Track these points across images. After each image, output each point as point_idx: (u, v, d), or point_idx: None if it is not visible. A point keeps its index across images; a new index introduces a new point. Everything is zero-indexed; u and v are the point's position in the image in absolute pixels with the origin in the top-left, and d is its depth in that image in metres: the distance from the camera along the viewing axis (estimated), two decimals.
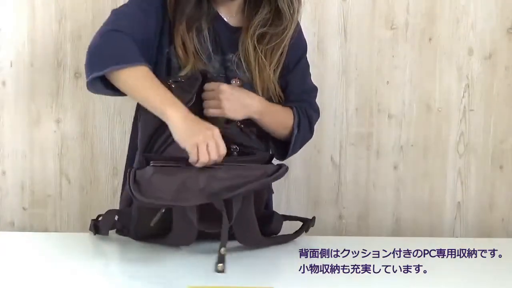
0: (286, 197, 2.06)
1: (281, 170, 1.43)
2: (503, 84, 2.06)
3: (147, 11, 1.54)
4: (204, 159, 1.37)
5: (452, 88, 2.06)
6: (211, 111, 1.50)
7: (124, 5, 1.59)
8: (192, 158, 1.38)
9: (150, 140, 1.49)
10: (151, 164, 1.42)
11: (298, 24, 1.68)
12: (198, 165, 1.38)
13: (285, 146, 1.66)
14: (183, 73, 1.55)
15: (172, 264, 1.41)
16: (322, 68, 2.03)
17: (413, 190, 2.10)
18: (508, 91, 2.06)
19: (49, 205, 2.08)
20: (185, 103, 1.46)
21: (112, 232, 1.56)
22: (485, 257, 1.53)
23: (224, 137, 1.44)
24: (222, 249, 1.35)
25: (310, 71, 1.75)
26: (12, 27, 2.01)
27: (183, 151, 1.41)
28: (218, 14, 1.62)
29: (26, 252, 1.51)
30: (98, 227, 1.55)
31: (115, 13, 1.56)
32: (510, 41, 2.04)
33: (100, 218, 1.58)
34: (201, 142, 1.37)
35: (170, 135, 1.43)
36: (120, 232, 1.55)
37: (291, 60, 1.67)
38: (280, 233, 1.59)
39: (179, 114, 1.40)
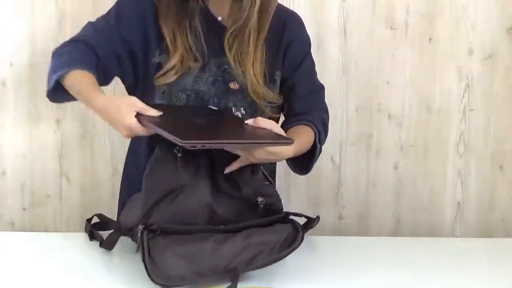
0: (286, 197, 2.06)
1: (296, 243, 1.40)
2: (503, 84, 2.06)
3: (121, 22, 1.56)
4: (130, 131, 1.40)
5: (452, 88, 2.06)
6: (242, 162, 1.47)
7: (101, 16, 1.60)
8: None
9: (154, 204, 1.43)
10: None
11: (299, 20, 1.65)
12: None
13: (304, 161, 1.61)
14: (168, 65, 1.54)
15: None
16: (322, 68, 2.02)
17: (413, 190, 2.10)
18: (508, 91, 2.06)
19: (49, 205, 2.08)
20: (194, 169, 1.44)
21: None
22: (485, 257, 1.53)
23: (243, 199, 1.45)
24: None
25: None
26: (12, 27, 2.01)
27: (190, 215, 1.41)
28: (211, 14, 1.59)
29: (26, 252, 1.51)
30: (93, 233, 1.55)
31: (88, 24, 1.59)
32: (510, 41, 2.04)
33: (94, 220, 1.58)
34: (122, 122, 1.39)
35: (175, 200, 1.41)
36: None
37: (294, 59, 1.63)
38: None
39: (100, 107, 1.44)
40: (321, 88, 1.72)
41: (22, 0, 1.99)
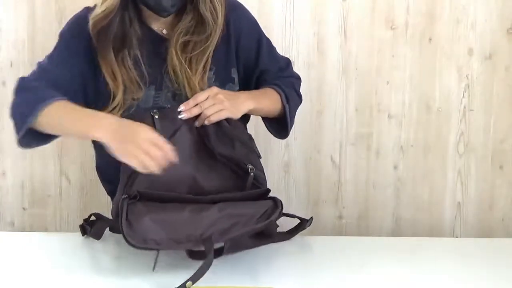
0: (286, 197, 2.06)
1: (274, 216, 1.40)
2: (503, 84, 2.06)
3: (70, 60, 1.53)
4: (147, 169, 1.34)
5: (452, 88, 2.06)
6: (217, 116, 1.47)
7: (48, 55, 1.56)
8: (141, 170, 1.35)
9: (129, 179, 1.44)
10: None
11: (239, 7, 1.63)
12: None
13: (280, 123, 1.64)
14: (113, 104, 1.52)
15: (172, 264, 1.41)
16: (322, 68, 2.03)
17: (413, 190, 2.10)
18: (508, 91, 2.06)
19: (49, 205, 2.08)
20: (171, 133, 1.44)
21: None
22: (485, 257, 1.53)
23: (235, 160, 1.46)
24: (189, 283, 1.28)
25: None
26: (12, 27, 2.01)
27: (167, 185, 1.41)
28: (151, 29, 1.56)
29: (26, 252, 1.51)
30: (86, 228, 1.55)
31: (37, 66, 1.56)
32: (510, 41, 2.04)
33: (91, 219, 1.58)
34: (137, 155, 1.34)
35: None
36: (112, 230, 1.54)
37: (250, 50, 1.63)
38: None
39: (106, 135, 1.38)
40: (287, 62, 1.72)
41: (22, 0, 1.99)
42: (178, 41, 1.53)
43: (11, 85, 2.01)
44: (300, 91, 1.72)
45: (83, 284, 1.35)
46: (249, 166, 1.48)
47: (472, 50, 2.04)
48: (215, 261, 1.33)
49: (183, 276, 1.33)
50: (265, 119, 1.67)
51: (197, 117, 1.48)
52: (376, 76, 2.05)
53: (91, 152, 2.05)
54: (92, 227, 1.55)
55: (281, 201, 1.44)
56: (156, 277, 1.35)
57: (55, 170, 2.06)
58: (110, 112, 1.52)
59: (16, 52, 2.01)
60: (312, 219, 1.57)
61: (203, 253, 1.34)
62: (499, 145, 2.08)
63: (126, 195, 1.40)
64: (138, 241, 1.32)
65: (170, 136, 1.44)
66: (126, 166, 1.40)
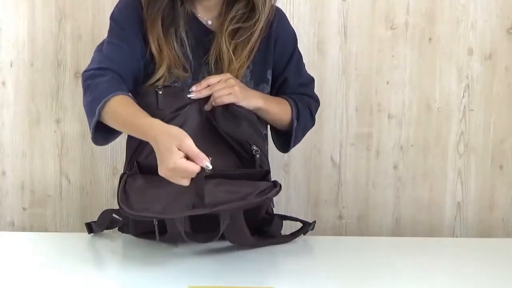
0: (286, 197, 2.06)
1: (271, 193, 1.39)
2: (503, 84, 2.06)
3: (129, 38, 1.53)
4: (182, 183, 1.30)
5: (452, 88, 2.06)
6: (225, 98, 1.47)
7: (106, 40, 1.56)
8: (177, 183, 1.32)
9: (138, 146, 1.47)
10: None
11: (282, 15, 1.66)
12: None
13: (285, 137, 1.65)
14: (156, 76, 1.53)
15: (172, 264, 1.41)
16: (322, 68, 2.03)
17: (413, 190, 2.10)
18: (508, 91, 2.06)
19: (49, 205, 2.08)
20: (174, 110, 1.46)
21: (113, 231, 1.57)
22: (485, 257, 1.53)
23: (240, 140, 1.47)
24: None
25: (310, 71, 1.75)
26: (12, 27, 2.01)
27: None
28: (197, 18, 1.58)
29: (26, 252, 1.51)
30: (91, 225, 1.56)
31: (98, 51, 1.55)
32: (510, 41, 2.04)
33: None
34: (168, 174, 1.29)
35: None
36: (121, 229, 1.55)
37: (282, 56, 1.64)
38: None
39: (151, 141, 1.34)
40: (311, 80, 1.73)
41: (22, 0, 1.99)
42: (228, 28, 1.55)
43: (11, 85, 2.03)
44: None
45: (83, 284, 1.35)
46: (254, 148, 1.49)
47: (472, 50, 2.04)
48: (215, 261, 1.33)
49: (186, 275, 1.34)
50: (272, 129, 1.68)
51: (207, 100, 1.49)
52: (376, 76, 2.05)
53: (91, 152, 2.06)
54: (96, 221, 1.56)
55: (280, 183, 1.43)
56: (160, 278, 1.35)
57: (55, 170, 2.06)
58: (153, 84, 1.53)
59: (16, 52, 2.01)
60: (315, 223, 1.56)
61: (199, 235, 1.37)
62: (499, 145, 2.08)
63: (128, 171, 1.44)
64: (132, 210, 1.34)
65: (172, 112, 1.46)
66: (131, 143, 1.46)
